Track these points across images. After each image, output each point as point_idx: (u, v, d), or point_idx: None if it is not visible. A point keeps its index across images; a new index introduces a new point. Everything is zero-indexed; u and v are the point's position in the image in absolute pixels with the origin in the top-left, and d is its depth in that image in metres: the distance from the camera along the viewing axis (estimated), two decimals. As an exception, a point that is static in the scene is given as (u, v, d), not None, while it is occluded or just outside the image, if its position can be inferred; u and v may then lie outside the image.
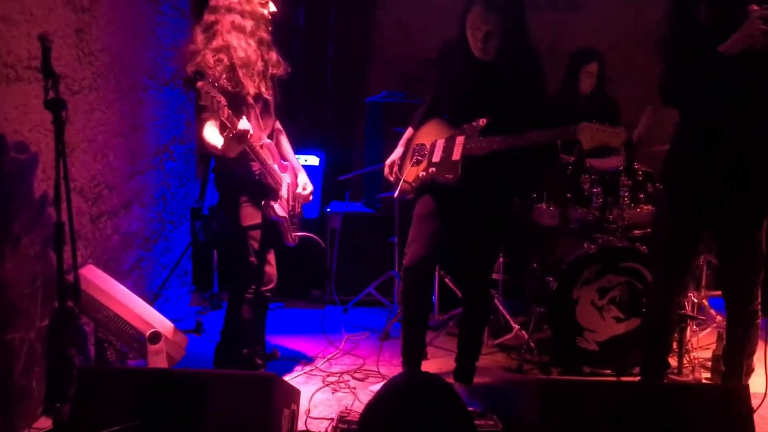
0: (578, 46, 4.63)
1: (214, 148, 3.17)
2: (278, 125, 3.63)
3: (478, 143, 3.10)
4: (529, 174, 3.38)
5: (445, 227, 3.25)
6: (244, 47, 3.19)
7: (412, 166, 3.36)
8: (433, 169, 3.22)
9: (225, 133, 3.07)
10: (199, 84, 2.97)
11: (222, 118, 3.00)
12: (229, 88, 3.14)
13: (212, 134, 3.17)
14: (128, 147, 4.00)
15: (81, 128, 3.43)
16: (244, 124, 3.07)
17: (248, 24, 3.23)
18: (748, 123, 2.87)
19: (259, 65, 3.27)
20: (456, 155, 3.13)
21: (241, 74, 3.19)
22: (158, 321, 3.38)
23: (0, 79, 2.78)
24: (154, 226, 4.45)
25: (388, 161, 3.49)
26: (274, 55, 3.36)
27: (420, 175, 3.29)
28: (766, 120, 2.88)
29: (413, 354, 3.42)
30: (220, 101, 2.97)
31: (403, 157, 3.47)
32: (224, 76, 3.14)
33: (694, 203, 3.01)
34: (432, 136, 3.33)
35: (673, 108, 3.03)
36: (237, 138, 3.05)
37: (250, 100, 3.27)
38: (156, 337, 3.26)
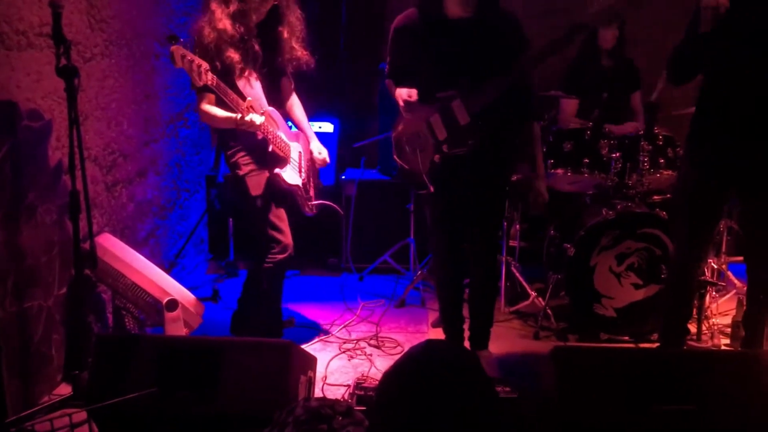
0: None
1: (228, 121, 3.14)
2: (293, 95, 3.59)
3: (478, 97, 2.98)
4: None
5: (461, 204, 3.20)
6: (229, 18, 3.09)
7: (419, 156, 3.14)
8: (445, 145, 3.07)
9: (237, 118, 3.05)
10: (173, 47, 2.85)
11: (206, 80, 2.94)
12: (217, 61, 3.07)
13: (220, 112, 3.15)
14: (142, 115, 3.98)
15: (94, 96, 3.41)
16: (258, 117, 3.07)
17: None
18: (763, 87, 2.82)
19: (256, 38, 3.18)
20: (463, 119, 3.01)
21: (231, 47, 3.10)
22: (175, 289, 3.40)
23: (11, 46, 2.76)
24: (169, 194, 4.45)
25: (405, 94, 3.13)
26: (291, 29, 3.30)
27: (435, 159, 3.11)
28: None
29: (452, 327, 3.44)
30: (201, 64, 2.90)
31: (401, 154, 3.28)
32: (215, 45, 3.07)
33: (719, 167, 2.96)
34: (418, 120, 3.13)
35: (678, 85, 3.04)
36: (248, 125, 3.06)
37: (247, 74, 3.19)
38: (173, 304, 3.27)
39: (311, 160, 3.59)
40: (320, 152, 3.59)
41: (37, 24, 2.89)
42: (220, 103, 3.15)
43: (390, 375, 1.27)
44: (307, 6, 3.55)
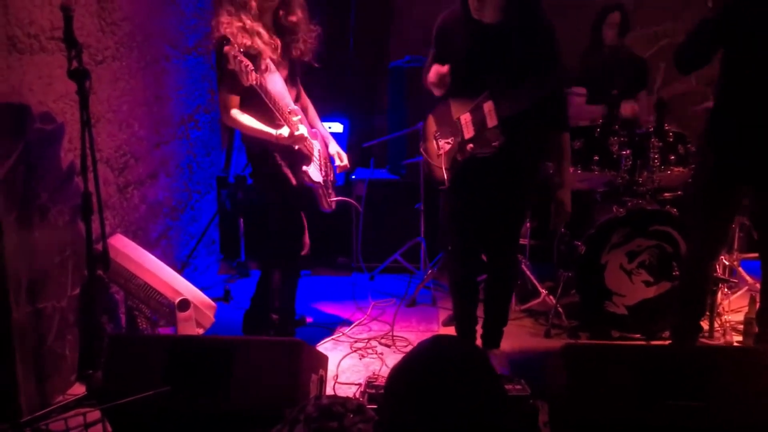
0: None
1: (264, 134, 3.22)
2: (303, 94, 3.61)
3: (509, 103, 2.99)
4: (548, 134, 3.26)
5: (481, 205, 3.21)
6: (247, 14, 3.15)
7: (444, 152, 3.17)
8: (471, 145, 3.08)
9: (280, 133, 3.17)
10: (226, 48, 2.96)
11: (251, 80, 3.01)
12: (251, 55, 3.12)
13: (255, 123, 3.22)
14: (153, 116, 4.00)
15: (105, 98, 3.43)
16: (303, 129, 3.20)
17: None
18: None
19: (268, 31, 3.24)
20: (491, 122, 3.01)
21: (260, 42, 3.17)
22: (187, 289, 3.42)
23: (23, 49, 2.79)
24: (181, 195, 4.47)
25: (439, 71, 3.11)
26: (296, 20, 3.33)
27: (457, 158, 3.12)
28: None
29: (466, 327, 3.44)
30: (248, 65, 2.97)
31: (427, 146, 3.31)
32: (246, 43, 3.12)
33: (735, 163, 2.95)
34: (450, 118, 3.16)
35: (686, 74, 3.04)
36: (293, 140, 3.18)
37: (273, 65, 3.25)
38: (185, 304, 3.29)
39: (328, 157, 3.61)
40: (341, 158, 3.63)
41: (48, 28, 2.92)
42: (246, 106, 3.21)
43: (398, 370, 1.28)
44: (316, 7, 3.57)
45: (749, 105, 2.90)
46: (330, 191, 3.60)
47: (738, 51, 2.88)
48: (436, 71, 3.08)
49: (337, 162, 3.62)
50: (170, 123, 4.29)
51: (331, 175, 3.64)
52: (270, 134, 3.19)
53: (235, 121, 3.24)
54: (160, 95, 4.11)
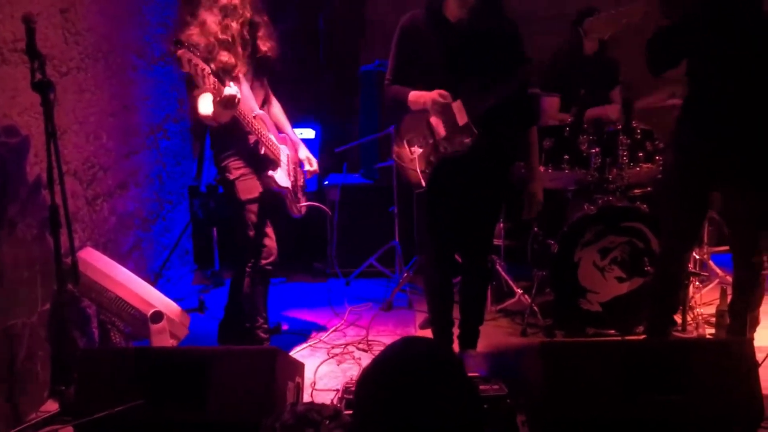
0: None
1: (206, 117, 3.16)
2: (273, 99, 3.60)
3: (478, 101, 3.02)
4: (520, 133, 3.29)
5: (456, 206, 3.22)
6: (221, 23, 3.16)
7: (418, 155, 3.17)
8: (444, 144, 3.12)
9: (213, 99, 3.06)
10: (180, 52, 2.92)
11: (208, 85, 2.98)
12: (212, 64, 3.10)
13: (204, 104, 3.15)
14: (121, 127, 3.96)
15: (71, 110, 3.39)
16: (230, 89, 3.06)
17: (231, 1, 3.19)
18: (747, 79, 2.86)
19: (241, 41, 3.23)
20: (462, 120, 3.06)
21: (223, 50, 3.16)
22: (160, 301, 3.38)
23: (-15, 62, 2.75)
24: (152, 206, 4.43)
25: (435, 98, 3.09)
26: (262, 31, 3.32)
27: (431, 159, 3.15)
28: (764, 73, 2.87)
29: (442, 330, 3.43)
30: (204, 68, 2.95)
31: (400, 151, 3.30)
32: (208, 50, 3.12)
33: (706, 158, 2.99)
34: (420, 120, 3.17)
35: (657, 75, 3.07)
36: (224, 102, 3.05)
37: (238, 73, 3.24)
38: (158, 316, 3.25)
39: (297, 162, 3.59)
40: (311, 163, 3.61)
41: (10, 39, 2.87)
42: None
43: (368, 374, 1.27)
44: (285, 14, 3.57)
45: (714, 107, 2.94)
46: (299, 196, 3.58)
47: (699, 56, 2.93)
48: (434, 98, 3.05)
49: (307, 167, 3.61)
50: (139, 133, 4.25)
51: (301, 180, 3.62)
52: (214, 100, 3.09)
53: (204, 116, 3.18)
54: (127, 105, 4.07)
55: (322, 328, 4.05)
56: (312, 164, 3.62)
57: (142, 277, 3.58)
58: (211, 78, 2.98)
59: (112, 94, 3.85)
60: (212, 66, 3.08)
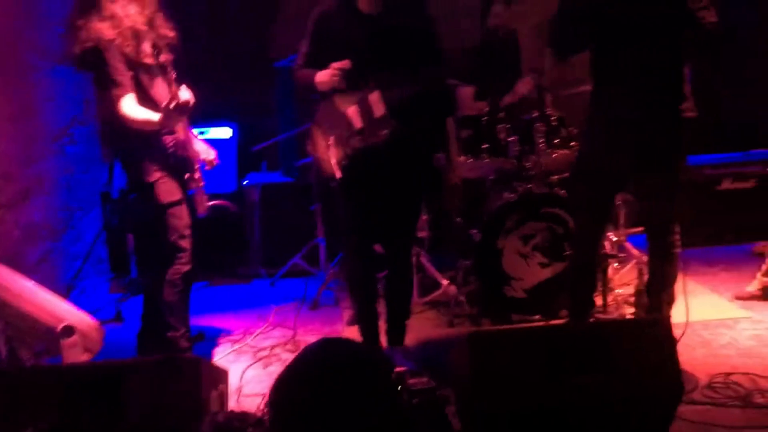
0: None
1: (147, 123, 3.02)
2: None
3: (394, 92, 3.03)
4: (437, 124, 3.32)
5: (376, 199, 3.19)
6: (131, 14, 3.02)
7: (334, 146, 3.13)
8: (360, 136, 3.10)
9: (164, 105, 2.95)
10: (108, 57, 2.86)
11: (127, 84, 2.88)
12: (133, 57, 3.00)
13: (139, 110, 3.02)
14: (22, 132, 3.76)
15: (-36, 116, 3.18)
16: (185, 94, 2.99)
17: None
18: (650, 60, 2.94)
19: (150, 32, 3.10)
20: (378, 111, 3.05)
21: (137, 42, 3.04)
22: (71, 314, 3.23)
23: None
24: (61, 214, 4.23)
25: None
26: (160, 19, 3.19)
27: (346, 152, 3.11)
28: (668, 54, 2.96)
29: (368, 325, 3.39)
30: (122, 66, 2.89)
31: (315, 143, 3.26)
32: (125, 44, 3.00)
33: (617, 140, 3.05)
34: (336, 112, 3.15)
35: (562, 61, 3.13)
36: (179, 110, 2.98)
37: (152, 66, 3.11)
38: (68, 330, 3.10)
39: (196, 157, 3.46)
40: (208, 153, 3.45)
41: None
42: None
43: (282, 380, 1.21)
44: (194, 3, 3.45)
45: (620, 84, 3.01)
46: (204, 195, 3.46)
47: (600, 42, 3.00)
48: (335, 67, 3.04)
49: (204, 156, 3.42)
50: (43, 138, 4.04)
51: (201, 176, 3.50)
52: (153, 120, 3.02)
53: (128, 119, 3.04)
54: (29, 109, 3.86)
55: (247, 332, 3.95)
56: (210, 155, 3.47)
57: (54, 290, 3.40)
58: (129, 74, 2.89)
59: (11, 98, 3.65)
60: (131, 59, 2.98)
